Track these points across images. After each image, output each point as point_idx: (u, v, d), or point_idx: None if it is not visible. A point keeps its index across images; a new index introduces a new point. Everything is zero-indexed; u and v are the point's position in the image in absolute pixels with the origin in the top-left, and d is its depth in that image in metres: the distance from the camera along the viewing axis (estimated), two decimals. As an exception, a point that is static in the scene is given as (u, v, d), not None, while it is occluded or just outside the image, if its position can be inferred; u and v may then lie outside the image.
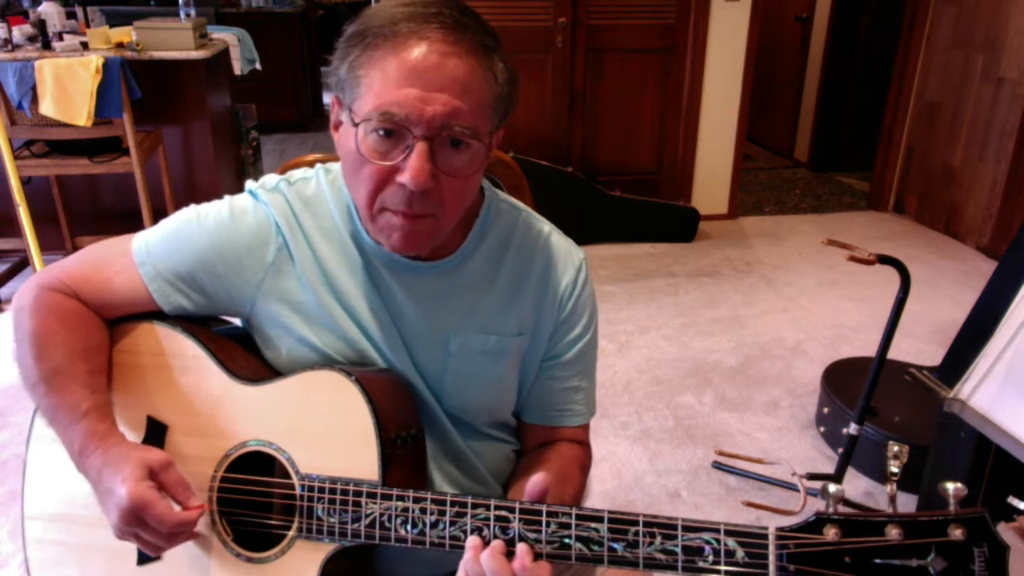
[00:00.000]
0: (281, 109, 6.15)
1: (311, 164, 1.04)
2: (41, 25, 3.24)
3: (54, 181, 3.39)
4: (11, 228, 3.32)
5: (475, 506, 0.81)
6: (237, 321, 1.06)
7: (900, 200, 4.52)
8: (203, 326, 1.01)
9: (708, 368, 2.80)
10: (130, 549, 0.90)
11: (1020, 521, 1.32)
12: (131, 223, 3.46)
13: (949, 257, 3.88)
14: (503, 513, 0.80)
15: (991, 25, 3.78)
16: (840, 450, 2.06)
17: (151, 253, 0.96)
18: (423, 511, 0.83)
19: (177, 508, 0.86)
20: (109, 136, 3.04)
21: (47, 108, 2.85)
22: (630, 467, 2.25)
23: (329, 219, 0.96)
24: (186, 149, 3.60)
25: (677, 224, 4.01)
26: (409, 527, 0.83)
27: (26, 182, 3.08)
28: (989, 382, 1.47)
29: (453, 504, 0.82)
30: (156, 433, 0.95)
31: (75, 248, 3.53)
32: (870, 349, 1.97)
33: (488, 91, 0.84)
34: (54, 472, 0.97)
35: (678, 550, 0.75)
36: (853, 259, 1.75)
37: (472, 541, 0.79)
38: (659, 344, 2.97)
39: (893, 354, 1.94)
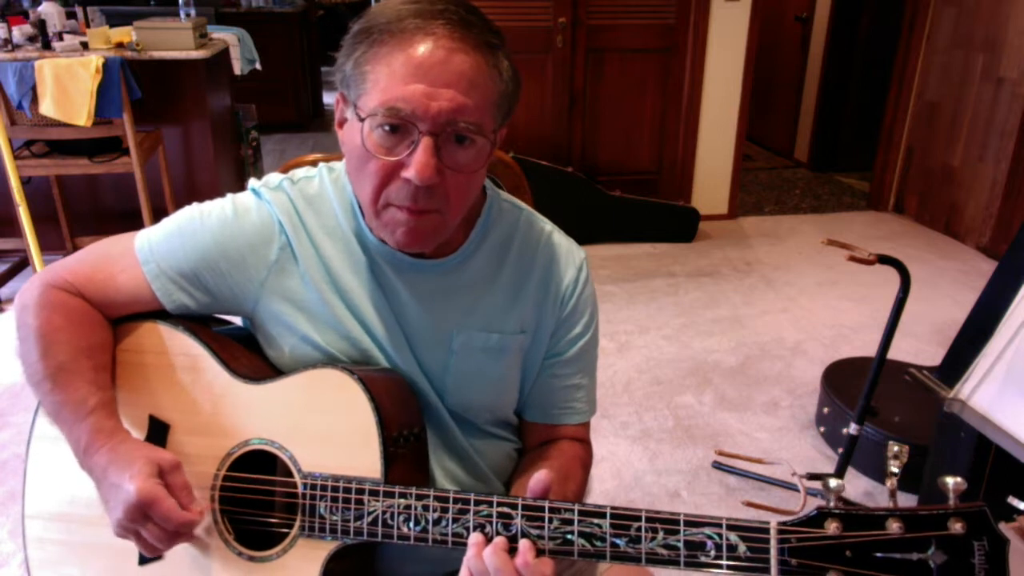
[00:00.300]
0: (281, 109, 6.15)
1: (312, 164, 1.04)
2: (41, 25, 3.24)
3: (54, 181, 3.39)
4: (11, 228, 3.32)
5: (477, 503, 0.81)
6: (238, 320, 1.06)
7: (900, 200, 4.52)
8: (205, 326, 1.01)
9: (708, 368, 2.80)
10: (131, 548, 0.90)
11: (1020, 521, 1.32)
12: (131, 223, 3.46)
13: (949, 257, 3.88)
14: (505, 510, 0.80)
15: (991, 25, 3.78)
16: (840, 450, 2.06)
17: (154, 251, 0.96)
18: (425, 508, 0.83)
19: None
20: (109, 136, 3.04)
21: (47, 108, 2.85)
22: (630, 467, 2.26)
23: (332, 217, 0.96)
24: (186, 149, 3.60)
25: (677, 224, 4.02)
26: (412, 525, 0.83)
27: (26, 182, 3.08)
28: (989, 382, 1.47)
29: (455, 501, 0.82)
30: (158, 432, 0.95)
31: (75, 248, 3.52)
32: (870, 349, 1.97)
33: (493, 88, 0.85)
34: (55, 471, 0.97)
35: (680, 545, 0.76)
36: (853, 259, 1.75)
37: (475, 538, 0.80)
38: (659, 344, 2.97)
39: (893, 354, 1.94)
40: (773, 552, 0.73)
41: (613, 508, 0.78)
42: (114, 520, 0.85)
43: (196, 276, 0.96)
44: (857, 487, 2.17)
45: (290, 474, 0.90)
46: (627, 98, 4.07)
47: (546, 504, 0.79)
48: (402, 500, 0.84)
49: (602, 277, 3.55)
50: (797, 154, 5.64)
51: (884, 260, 1.76)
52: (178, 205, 0.99)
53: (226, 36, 3.68)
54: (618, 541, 0.77)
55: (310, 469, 0.89)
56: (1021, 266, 1.50)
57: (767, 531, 0.73)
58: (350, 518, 0.86)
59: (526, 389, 1.05)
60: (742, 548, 0.74)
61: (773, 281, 3.56)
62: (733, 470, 2.23)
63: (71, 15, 3.60)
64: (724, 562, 0.74)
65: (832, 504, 0.73)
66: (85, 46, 3.25)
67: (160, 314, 0.98)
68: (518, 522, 0.80)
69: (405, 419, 0.91)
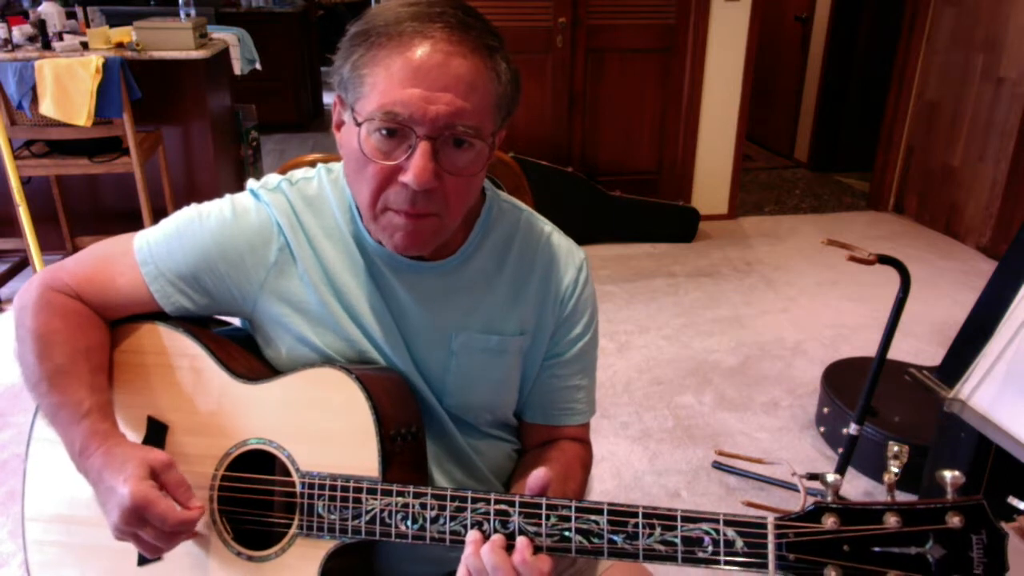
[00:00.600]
0: (281, 109, 6.15)
1: (311, 164, 1.04)
2: (41, 25, 3.24)
3: (54, 181, 3.39)
4: (11, 228, 3.32)
5: (475, 500, 0.81)
6: (237, 321, 1.06)
7: (900, 200, 4.52)
8: (204, 327, 1.01)
9: (708, 368, 2.80)
10: (131, 550, 0.90)
11: (1020, 521, 1.32)
12: (131, 223, 3.46)
13: (949, 257, 3.88)
14: (503, 507, 0.80)
15: (991, 25, 3.78)
16: (840, 450, 2.06)
17: (153, 253, 0.96)
18: (423, 506, 0.83)
19: (178, 508, 0.85)
20: (109, 136, 3.04)
21: (47, 108, 2.85)
22: (630, 467, 2.26)
23: (331, 219, 0.96)
24: (186, 149, 3.60)
25: (677, 224, 4.01)
26: (409, 523, 0.83)
27: (26, 182, 3.08)
28: (989, 382, 1.47)
29: (453, 499, 0.82)
30: (157, 433, 0.95)
31: (75, 248, 3.53)
32: (870, 349, 1.97)
33: (492, 91, 0.84)
34: (55, 474, 0.97)
35: (677, 541, 0.76)
36: (853, 259, 1.75)
37: (472, 536, 0.80)
38: (659, 344, 2.97)
39: (893, 354, 1.94)
40: (771, 547, 0.73)
41: (610, 504, 0.78)
42: (111, 524, 0.84)
43: (195, 278, 0.95)
44: (857, 487, 2.17)
45: (288, 473, 0.90)
46: (627, 98, 4.07)
47: (543, 501, 0.79)
48: (400, 498, 0.84)
49: (602, 277, 3.55)
50: (797, 154, 5.64)
51: (884, 260, 1.76)
52: (178, 205, 0.99)
53: (226, 36, 3.68)
54: (615, 538, 0.77)
55: (308, 468, 0.89)
56: (1021, 266, 1.50)
57: (764, 526, 0.73)
58: (348, 517, 0.86)
59: (526, 390, 1.05)
60: (740, 543, 0.74)
61: (773, 281, 3.56)
62: (733, 470, 2.23)
63: (71, 15, 3.59)
64: (722, 558, 0.75)
65: (830, 498, 0.73)
66: (85, 46, 3.25)
67: (159, 315, 0.98)
68: (515, 519, 0.80)
69: (403, 418, 0.91)
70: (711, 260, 3.80)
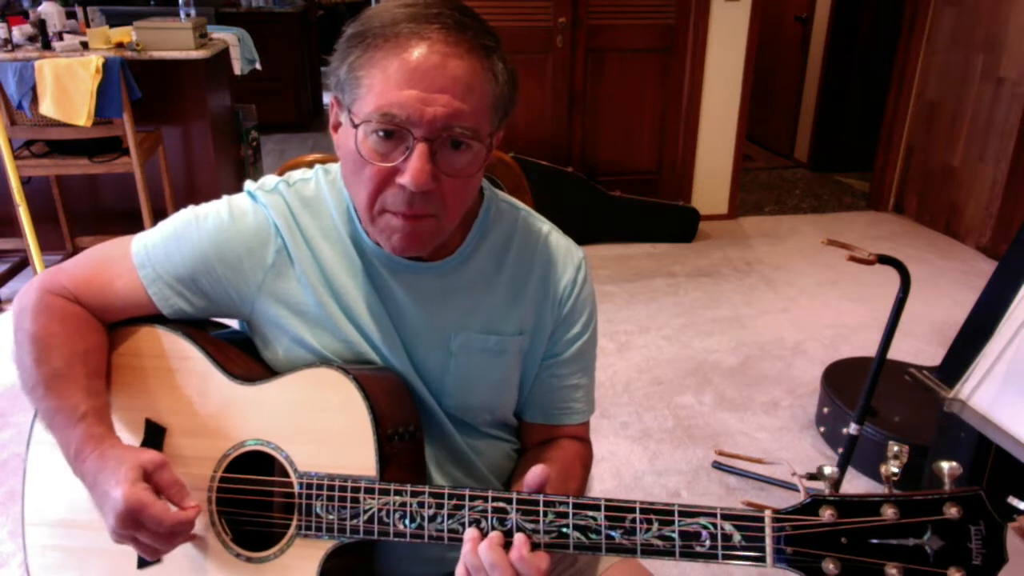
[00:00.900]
0: (281, 109, 6.15)
1: (311, 164, 1.04)
2: (41, 25, 3.24)
3: (54, 181, 3.39)
4: (11, 228, 3.32)
5: (473, 498, 0.81)
6: (236, 324, 1.06)
7: (900, 200, 4.52)
8: (202, 330, 1.01)
9: (708, 368, 2.80)
10: (130, 552, 0.90)
11: (1020, 521, 1.32)
12: (131, 223, 3.46)
13: (949, 257, 3.88)
14: (500, 505, 0.80)
15: (991, 25, 3.78)
16: (840, 450, 2.06)
17: (150, 256, 0.96)
18: (421, 505, 0.83)
19: (174, 509, 0.85)
20: (109, 136, 3.04)
21: (47, 108, 2.85)
22: (630, 467, 2.25)
23: (329, 220, 0.96)
24: (186, 149, 3.60)
25: (677, 224, 4.01)
26: (407, 521, 0.83)
27: (26, 182, 3.08)
28: (989, 382, 1.47)
29: (451, 497, 0.82)
30: (155, 435, 0.95)
31: (75, 248, 3.53)
32: (870, 349, 1.97)
33: (489, 92, 0.84)
34: (54, 478, 0.97)
35: (675, 536, 0.76)
36: (853, 259, 1.75)
37: (470, 533, 0.80)
38: (659, 344, 2.97)
39: (893, 354, 1.94)
40: (768, 541, 0.73)
41: (608, 500, 0.78)
42: (108, 527, 0.84)
43: (193, 280, 0.95)
44: (857, 487, 2.17)
45: (286, 474, 0.90)
46: (627, 98, 4.07)
47: (541, 498, 0.79)
48: (397, 497, 0.84)
49: (602, 277, 3.55)
50: (797, 154, 5.64)
51: (884, 260, 1.76)
52: (178, 205, 0.99)
53: (226, 36, 3.68)
54: (613, 533, 0.77)
55: (306, 468, 0.89)
56: (1021, 266, 1.50)
57: (762, 520, 0.74)
58: (346, 516, 0.86)
59: (525, 390, 1.05)
60: (737, 537, 0.74)
61: (773, 281, 3.56)
62: (733, 470, 2.23)
63: (71, 15, 3.59)
64: (720, 552, 0.75)
65: (827, 491, 0.73)
66: (85, 46, 3.25)
67: (158, 318, 0.98)
68: (513, 516, 0.80)
69: (401, 417, 0.91)
70: (711, 260, 3.80)
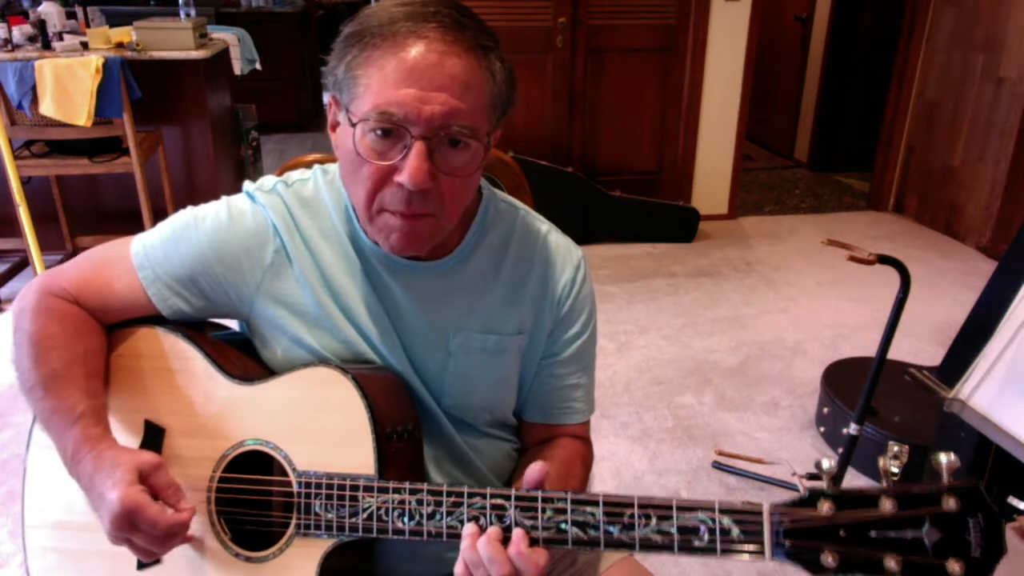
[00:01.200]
0: (281, 109, 6.15)
1: (311, 164, 1.04)
2: (41, 25, 3.24)
3: (54, 181, 3.39)
4: (11, 228, 3.32)
5: (471, 495, 0.81)
6: (235, 325, 1.06)
7: (900, 200, 4.51)
8: (201, 331, 1.01)
9: (708, 368, 2.80)
10: (129, 554, 0.90)
11: (1020, 521, 1.32)
12: (131, 223, 3.46)
13: (949, 257, 3.88)
14: (499, 501, 0.80)
15: (991, 25, 3.78)
16: (840, 450, 2.06)
17: (149, 257, 0.96)
18: (419, 503, 0.83)
19: (169, 511, 0.85)
20: (109, 136, 3.04)
21: (47, 108, 2.85)
22: (630, 467, 2.25)
23: (327, 220, 0.96)
24: (186, 149, 3.60)
25: (677, 224, 4.01)
26: (406, 519, 0.84)
27: (26, 182, 3.08)
28: (989, 382, 1.47)
29: (449, 495, 0.82)
30: (154, 436, 0.95)
31: (75, 248, 3.53)
32: (870, 349, 1.97)
33: (487, 90, 0.84)
34: (54, 480, 0.97)
35: (673, 530, 0.76)
36: (853, 259, 1.75)
37: (469, 529, 0.80)
38: (659, 344, 2.97)
39: (893, 354, 1.94)
40: (767, 534, 0.73)
41: (606, 496, 0.78)
42: (105, 529, 0.84)
43: (192, 281, 0.95)
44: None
45: (285, 474, 0.90)
46: (627, 98, 4.07)
47: (539, 494, 0.80)
48: (396, 495, 0.84)
49: (602, 277, 3.55)
50: (797, 154, 5.64)
51: (884, 260, 1.76)
52: (178, 205, 0.99)
53: (226, 36, 3.68)
54: (611, 529, 0.77)
55: (305, 468, 0.89)
56: (1021, 266, 1.50)
57: (760, 513, 0.73)
58: (345, 515, 0.86)
59: (524, 389, 1.05)
60: (736, 531, 0.74)
61: (773, 281, 3.56)
62: (733, 470, 2.23)
63: (71, 15, 3.60)
64: (718, 546, 0.74)
65: (825, 485, 0.73)
66: (85, 46, 3.25)
67: (157, 319, 0.98)
68: (511, 513, 0.80)
69: (399, 416, 0.91)
70: (711, 260, 3.80)
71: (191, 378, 0.96)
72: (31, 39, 3.29)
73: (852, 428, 1.95)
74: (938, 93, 4.17)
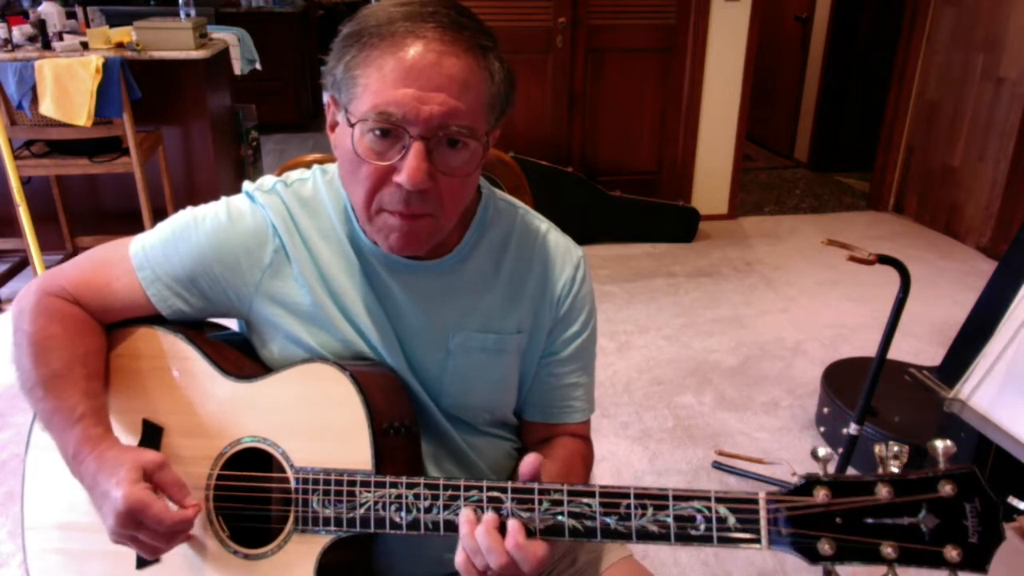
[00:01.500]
0: (281, 109, 6.15)
1: (311, 164, 1.04)
2: (41, 25, 3.24)
3: (54, 181, 3.39)
4: (11, 228, 3.32)
5: (468, 488, 0.81)
6: (234, 324, 1.06)
7: (900, 200, 4.52)
8: (199, 331, 1.01)
9: (708, 368, 2.80)
10: (129, 553, 0.90)
11: (1020, 521, 1.32)
12: (131, 223, 3.46)
13: (949, 257, 3.88)
14: (496, 494, 0.80)
15: (991, 25, 3.78)
16: (840, 450, 2.06)
17: (149, 257, 0.96)
18: (416, 496, 0.83)
19: (174, 508, 0.85)
20: (109, 136, 3.04)
21: (47, 108, 2.85)
22: (630, 467, 2.25)
23: (326, 220, 0.96)
24: (186, 149, 3.60)
25: (677, 224, 4.01)
26: (403, 513, 0.84)
27: (26, 182, 3.09)
28: (989, 382, 1.47)
29: (446, 488, 0.82)
30: (152, 436, 0.95)
31: (75, 248, 3.53)
32: (870, 349, 1.97)
33: (485, 90, 0.84)
34: (53, 481, 0.97)
35: (670, 520, 0.76)
36: (853, 259, 1.75)
37: (465, 515, 0.80)
38: (659, 344, 2.97)
39: (893, 354, 1.94)
40: (763, 523, 0.73)
41: (602, 487, 0.78)
42: (108, 528, 0.84)
43: (191, 281, 0.95)
44: (857, 487, 2.17)
45: (283, 470, 0.90)
46: (627, 98, 4.07)
47: (536, 486, 0.80)
48: (393, 490, 0.84)
49: (602, 277, 3.55)
50: (797, 154, 5.64)
51: (884, 260, 1.76)
52: (178, 205, 0.99)
53: (226, 36, 3.68)
54: (608, 520, 0.77)
55: (302, 464, 0.89)
56: (1021, 266, 1.50)
57: (756, 502, 0.73)
58: (343, 510, 0.86)
59: (524, 388, 1.05)
60: (732, 520, 0.74)
61: (773, 281, 3.56)
62: (733, 470, 2.23)
63: (71, 15, 3.60)
64: (714, 535, 0.74)
65: (821, 472, 0.73)
66: (85, 46, 3.25)
67: (156, 319, 0.98)
68: (508, 506, 0.80)
69: (396, 412, 0.92)
70: (711, 260, 3.80)
71: (190, 377, 0.96)
72: (31, 39, 3.29)
73: (852, 428, 1.95)
74: (938, 93, 4.17)
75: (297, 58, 6.28)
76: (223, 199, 0.99)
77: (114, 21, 3.60)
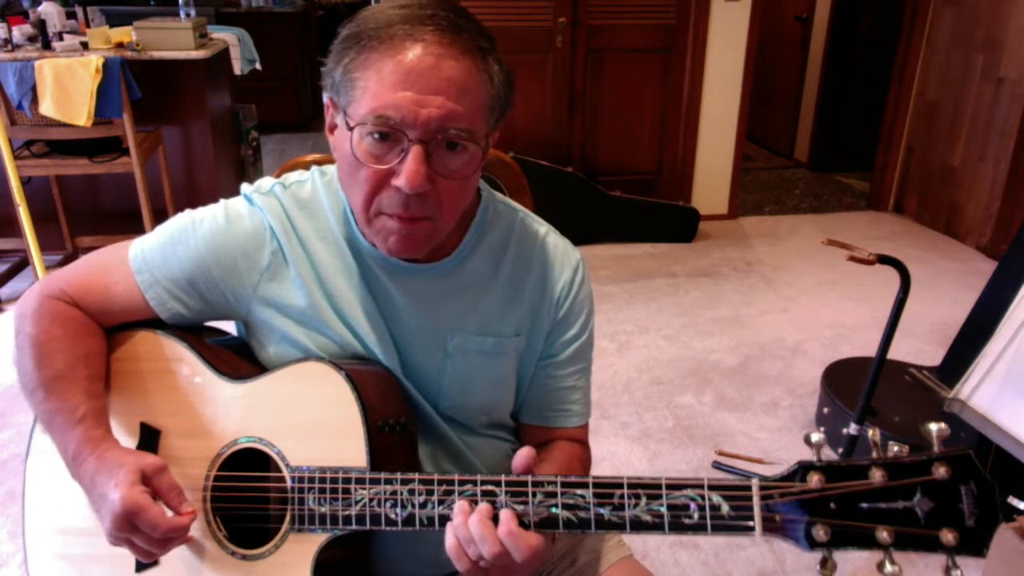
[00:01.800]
0: (281, 109, 6.15)
1: (310, 165, 1.04)
2: (41, 25, 3.24)
3: (54, 181, 3.39)
4: (11, 228, 3.32)
5: (462, 483, 0.82)
6: (233, 329, 1.06)
7: (900, 200, 4.51)
8: (197, 335, 1.01)
9: (708, 368, 2.80)
10: (128, 556, 0.90)
11: (1020, 521, 1.32)
12: (131, 223, 3.46)
13: (949, 257, 3.88)
14: (490, 488, 0.81)
15: (991, 25, 3.78)
16: (840, 450, 2.06)
17: (147, 261, 0.96)
18: (411, 492, 0.83)
19: (170, 513, 0.85)
20: (109, 136, 3.04)
21: (47, 108, 2.85)
22: (630, 467, 2.25)
23: (325, 222, 0.96)
24: (186, 149, 3.60)
25: (677, 224, 4.01)
26: (398, 509, 0.84)
27: (26, 182, 3.08)
28: (989, 382, 1.47)
29: (440, 483, 0.82)
30: (150, 438, 0.96)
31: (75, 248, 3.53)
32: (870, 349, 1.97)
33: (484, 93, 0.84)
34: (53, 484, 0.97)
35: (663, 509, 0.76)
36: (853, 259, 1.75)
37: (460, 505, 0.80)
38: (659, 344, 2.97)
39: (893, 354, 1.94)
40: (756, 510, 0.73)
41: (595, 478, 0.78)
42: (105, 530, 0.84)
43: (190, 284, 0.96)
44: (857, 487, 2.17)
45: (280, 470, 0.90)
46: (627, 98, 4.07)
47: (529, 479, 0.80)
48: (388, 486, 0.84)
49: (602, 277, 3.55)
50: (797, 154, 5.64)
51: (884, 260, 1.76)
52: (178, 205, 0.99)
53: (226, 36, 3.68)
54: (602, 510, 0.77)
55: (298, 463, 0.89)
56: (1021, 266, 1.50)
57: (749, 488, 0.73)
58: (338, 508, 0.86)
59: (522, 391, 1.05)
60: (725, 508, 0.74)
61: (773, 281, 3.56)
62: (733, 470, 2.23)
63: (71, 15, 3.60)
64: (708, 523, 0.74)
65: (814, 457, 0.73)
66: (85, 46, 3.25)
67: (155, 322, 0.98)
68: (502, 499, 0.80)
69: (391, 409, 0.92)
70: (711, 260, 3.80)
71: (188, 380, 0.96)
72: (31, 39, 3.29)
73: (852, 428, 1.95)
74: (938, 93, 4.17)
75: (297, 58, 6.28)
76: (221, 202, 0.99)
77: (114, 21, 3.60)
